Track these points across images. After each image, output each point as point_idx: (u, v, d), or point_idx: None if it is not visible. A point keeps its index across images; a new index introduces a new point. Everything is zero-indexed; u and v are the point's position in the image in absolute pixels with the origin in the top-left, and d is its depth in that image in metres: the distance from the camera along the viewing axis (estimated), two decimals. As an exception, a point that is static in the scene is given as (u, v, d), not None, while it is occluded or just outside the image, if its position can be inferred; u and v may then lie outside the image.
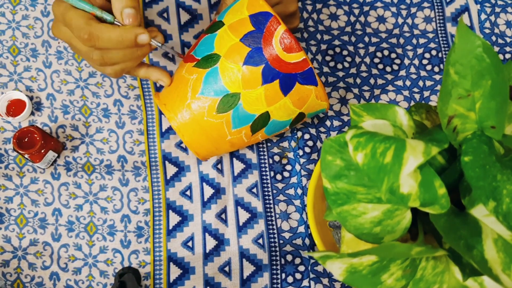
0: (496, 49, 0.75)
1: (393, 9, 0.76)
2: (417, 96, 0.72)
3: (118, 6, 0.50)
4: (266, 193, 0.67)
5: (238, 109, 0.55)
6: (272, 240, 0.66)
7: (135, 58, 0.54)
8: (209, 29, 0.58)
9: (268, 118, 0.57)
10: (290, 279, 0.64)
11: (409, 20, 0.76)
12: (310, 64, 0.54)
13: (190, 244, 0.65)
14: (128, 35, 0.50)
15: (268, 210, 0.67)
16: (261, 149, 0.69)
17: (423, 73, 0.73)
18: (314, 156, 0.68)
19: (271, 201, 0.67)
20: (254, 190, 0.67)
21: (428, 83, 0.73)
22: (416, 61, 0.74)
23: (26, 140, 0.63)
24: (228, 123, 0.57)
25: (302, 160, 0.68)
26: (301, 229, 0.66)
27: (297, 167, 0.68)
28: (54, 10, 0.52)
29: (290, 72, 0.54)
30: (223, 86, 0.55)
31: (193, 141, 0.59)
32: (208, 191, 0.67)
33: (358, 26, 0.75)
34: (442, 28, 0.75)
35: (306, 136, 0.69)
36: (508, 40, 0.75)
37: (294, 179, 0.68)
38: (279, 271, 0.65)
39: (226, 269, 0.64)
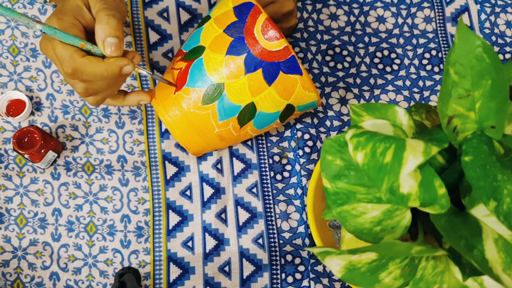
0: (496, 49, 0.75)
1: (393, 9, 0.76)
2: (417, 96, 0.72)
3: (101, 35, 0.48)
4: (266, 193, 0.67)
5: (223, 99, 0.56)
6: (272, 240, 0.65)
7: (118, 86, 0.54)
8: (198, 24, 0.59)
9: (255, 110, 0.57)
10: (290, 279, 0.64)
11: (409, 20, 0.76)
12: (292, 52, 0.54)
13: (190, 244, 0.65)
14: (113, 69, 0.48)
15: (268, 210, 0.67)
16: (261, 149, 0.69)
17: (423, 73, 0.73)
18: (314, 156, 0.68)
19: (271, 201, 0.67)
20: (254, 190, 0.67)
21: (428, 83, 0.73)
22: (416, 61, 0.74)
23: (26, 140, 0.63)
24: (214, 115, 0.57)
25: (302, 160, 0.68)
26: (301, 229, 0.66)
27: (297, 167, 0.68)
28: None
29: (273, 61, 0.54)
30: (207, 77, 0.55)
31: (183, 135, 0.59)
32: (208, 191, 0.67)
33: (358, 26, 0.75)
34: (442, 28, 0.75)
35: (306, 136, 0.69)
36: (508, 40, 0.75)
37: (294, 179, 0.68)
38: (279, 271, 0.64)
39: (226, 269, 0.64)
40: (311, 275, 0.64)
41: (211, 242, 0.65)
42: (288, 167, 0.68)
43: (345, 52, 0.74)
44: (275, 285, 0.64)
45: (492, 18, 0.76)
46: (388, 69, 0.73)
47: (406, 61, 0.74)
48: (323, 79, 0.72)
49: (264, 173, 0.68)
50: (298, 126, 0.69)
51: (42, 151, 0.63)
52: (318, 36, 0.74)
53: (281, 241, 0.66)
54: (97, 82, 0.50)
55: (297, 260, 0.65)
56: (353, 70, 0.73)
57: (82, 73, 0.48)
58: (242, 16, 0.54)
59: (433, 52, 0.74)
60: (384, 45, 0.74)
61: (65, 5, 0.50)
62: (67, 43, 0.48)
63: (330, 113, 0.71)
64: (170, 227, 0.65)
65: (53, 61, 0.51)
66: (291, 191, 0.67)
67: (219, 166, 0.67)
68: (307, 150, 0.68)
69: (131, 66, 0.49)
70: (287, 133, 0.69)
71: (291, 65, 0.54)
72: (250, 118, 0.58)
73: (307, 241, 0.66)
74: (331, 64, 0.73)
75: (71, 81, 0.51)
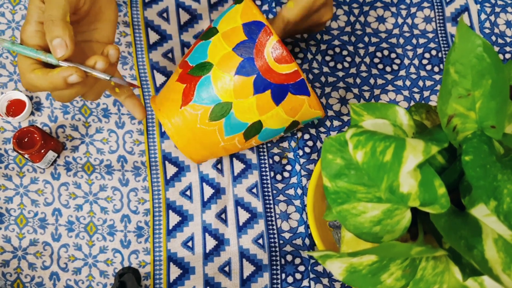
0: (496, 49, 0.75)
1: (393, 9, 0.76)
2: (417, 96, 0.72)
3: (48, 38, 0.45)
4: (266, 193, 0.67)
5: (230, 117, 0.56)
6: (272, 240, 0.65)
7: (95, 88, 0.50)
8: (203, 35, 0.58)
9: (261, 127, 0.57)
10: (290, 279, 0.64)
11: (409, 20, 0.76)
12: (302, 75, 0.54)
13: (190, 244, 0.65)
14: (56, 80, 0.45)
15: (268, 210, 0.67)
16: (261, 149, 0.69)
17: (423, 73, 0.73)
18: (314, 156, 0.68)
19: (271, 201, 0.67)
20: (254, 190, 0.67)
21: (428, 83, 0.73)
22: (416, 61, 0.74)
23: (26, 140, 0.63)
24: (220, 131, 0.57)
25: (302, 160, 0.68)
26: (301, 229, 0.66)
27: (297, 167, 0.68)
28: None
29: (282, 83, 0.54)
30: (215, 95, 0.55)
31: (187, 146, 0.59)
32: (208, 191, 0.67)
33: (358, 26, 0.75)
34: (442, 28, 0.75)
35: (306, 136, 0.69)
36: (508, 40, 0.75)
37: (294, 179, 0.68)
38: (279, 271, 0.64)
39: (226, 269, 0.64)
40: (311, 275, 0.64)
41: (211, 242, 0.65)
42: (288, 167, 0.68)
43: (345, 52, 0.73)
44: (275, 285, 0.64)
45: (492, 18, 0.76)
46: (388, 69, 0.73)
47: (406, 61, 0.74)
48: (323, 79, 0.72)
49: (264, 173, 0.68)
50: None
51: (42, 151, 0.63)
52: (318, 36, 0.74)
53: (281, 241, 0.66)
54: (61, 92, 0.48)
55: (297, 260, 0.65)
56: (353, 70, 0.73)
57: (36, 87, 0.46)
58: (252, 36, 0.54)
59: (433, 52, 0.74)
60: (384, 45, 0.74)
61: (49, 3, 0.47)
62: (26, 56, 0.46)
63: (330, 113, 0.71)
64: (170, 227, 0.65)
65: None
66: (291, 191, 0.67)
67: (219, 166, 0.67)
68: (307, 150, 0.68)
69: (76, 76, 0.45)
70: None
71: (300, 87, 0.55)
72: (256, 134, 0.58)
73: (307, 241, 0.66)
74: (331, 64, 0.73)
75: None
